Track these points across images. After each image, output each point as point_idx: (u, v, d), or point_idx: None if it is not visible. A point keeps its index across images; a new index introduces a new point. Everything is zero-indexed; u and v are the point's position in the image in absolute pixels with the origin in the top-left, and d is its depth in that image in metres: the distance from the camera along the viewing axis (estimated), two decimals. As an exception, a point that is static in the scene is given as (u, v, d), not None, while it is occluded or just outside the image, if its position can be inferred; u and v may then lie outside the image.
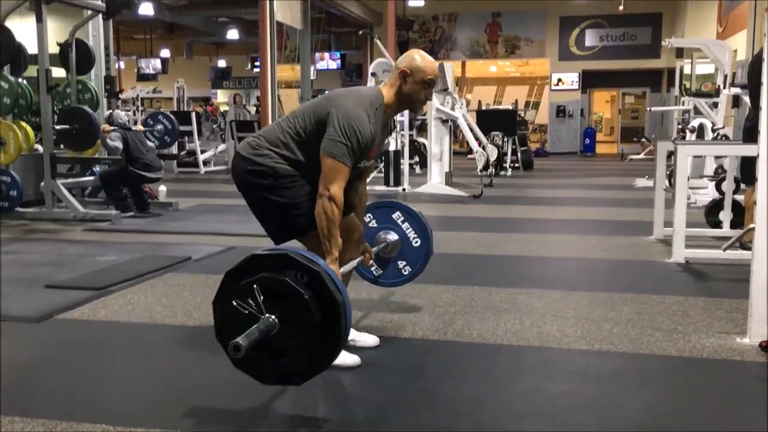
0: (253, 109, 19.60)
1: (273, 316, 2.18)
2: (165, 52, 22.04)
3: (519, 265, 5.11)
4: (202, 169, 12.87)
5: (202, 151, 13.28)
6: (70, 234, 6.24)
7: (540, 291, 4.16)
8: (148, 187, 7.75)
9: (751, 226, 3.31)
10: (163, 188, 8.12)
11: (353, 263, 2.99)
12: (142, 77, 20.18)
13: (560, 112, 19.51)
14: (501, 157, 12.06)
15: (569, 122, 19.57)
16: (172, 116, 9.36)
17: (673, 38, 11.09)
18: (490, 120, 13.13)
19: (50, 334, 3.43)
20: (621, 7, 15.33)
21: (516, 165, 13.37)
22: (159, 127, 8.87)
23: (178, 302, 3.90)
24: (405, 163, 9.85)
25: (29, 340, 3.34)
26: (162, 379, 2.85)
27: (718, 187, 6.47)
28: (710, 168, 8.07)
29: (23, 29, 7.78)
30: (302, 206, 2.73)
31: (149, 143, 7.62)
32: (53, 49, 7.28)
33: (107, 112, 7.65)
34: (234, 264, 2.27)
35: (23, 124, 6.84)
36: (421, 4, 16.68)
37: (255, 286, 2.19)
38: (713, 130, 9.01)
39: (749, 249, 3.47)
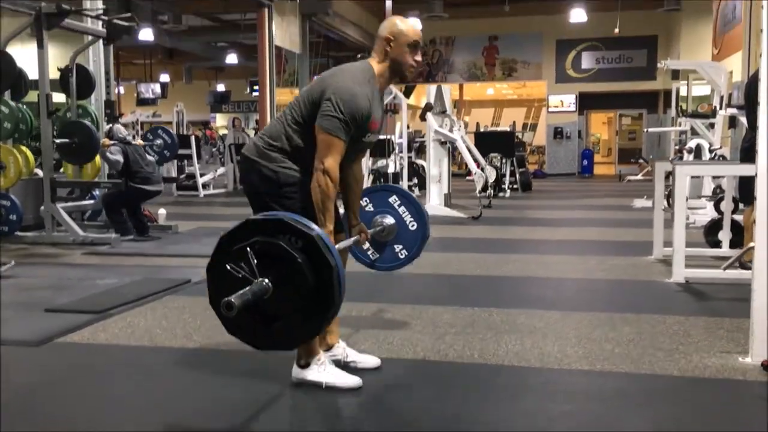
0: (252, 133, 19.66)
1: (266, 280, 2.18)
2: (164, 77, 22.18)
3: (519, 286, 5.10)
4: (202, 192, 12.90)
5: (202, 175, 13.34)
6: (70, 257, 6.24)
7: (540, 311, 4.15)
8: (148, 211, 7.76)
9: (751, 245, 3.31)
10: (162, 211, 8.13)
11: (349, 241, 2.98)
12: (142, 102, 20.28)
13: (558, 133, 19.61)
14: (499, 178, 12.11)
15: (567, 144, 19.66)
16: (171, 131, 9.43)
17: (668, 60, 11.20)
18: (488, 142, 13.19)
19: (50, 357, 3.42)
20: (616, 30, 15.46)
21: (515, 186, 13.40)
22: (159, 141, 8.92)
23: (178, 325, 3.89)
24: (404, 184, 9.87)
25: (29, 363, 3.33)
26: (162, 402, 2.83)
27: (716, 207, 6.48)
28: (708, 188, 8.09)
29: (24, 54, 7.85)
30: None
31: (149, 157, 7.66)
32: (54, 74, 7.34)
33: (107, 126, 7.69)
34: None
35: (23, 148, 6.86)
36: (419, 27, 16.79)
37: (248, 249, 2.18)
38: (710, 151, 9.05)
39: (749, 268, 3.47)
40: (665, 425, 2.57)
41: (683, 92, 14.06)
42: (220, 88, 23.79)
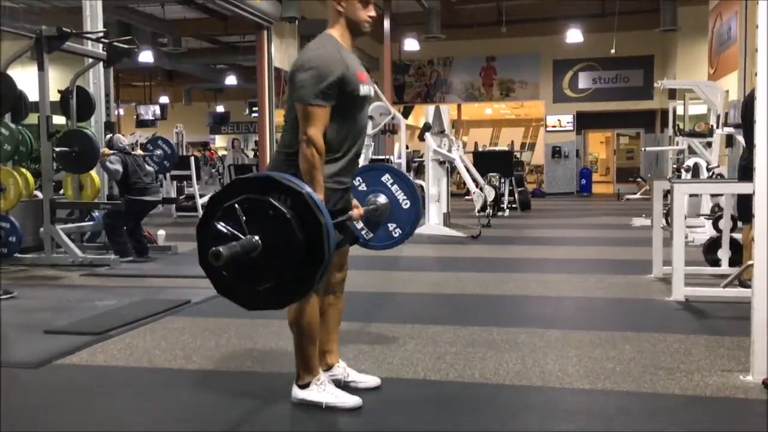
0: (251, 153, 19.74)
1: (255, 237, 2.17)
2: (164, 99, 22.29)
3: (519, 305, 5.10)
4: (201, 213, 12.88)
5: (201, 195, 13.32)
6: (69, 279, 6.23)
7: (540, 330, 4.14)
8: (147, 232, 7.76)
9: (750, 263, 3.32)
10: (161, 232, 8.14)
11: (342, 218, 2.86)
12: (142, 123, 20.36)
13: (556, 153, 19.69)
14: (498, 197, 12.13)
15: (565, 163, 19.73)
16: (171, 141, 9.48)
17: (665, 80, 11.27)
18: (486, 161, 13.23)
19: (49, 379, 3.41)
20: (613, 50, 15.59)
21: (513, 205, 13.43)
22: (158, 152, 8.97)
23: (177, 346, 3.88)
24: (403, 204, 9.87)
25: (29, 385, 3.32)
26: (161, 423, 2.82)
27: (715, 226, 6.50)
28: (706, 206, 8.12)
29: (24, 77, 7.89)
30: None
31: (148, 168, 7.68)
32: (54, 96, 7.37)
33: (107, 136, 7.71)
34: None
35: (23, 170, 6.88)
36: (417, 48, 16.95)
37: (237, 206, 2.18)
38: (708, 169, 9.10)
39: (748, 286, 3.48)
40: (667, 444, 2.56)
41: (680, 111, 14.16)
42: (220, 109, 23.91)
